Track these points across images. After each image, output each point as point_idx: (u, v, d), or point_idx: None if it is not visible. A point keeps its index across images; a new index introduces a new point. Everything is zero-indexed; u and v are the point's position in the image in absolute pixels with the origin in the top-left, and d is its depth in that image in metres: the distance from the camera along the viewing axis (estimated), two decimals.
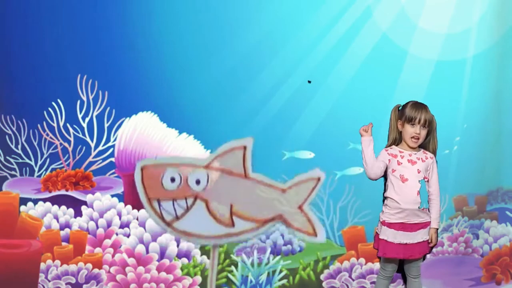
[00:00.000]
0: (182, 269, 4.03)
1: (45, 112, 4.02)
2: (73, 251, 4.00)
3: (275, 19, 4.06)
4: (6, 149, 4.03)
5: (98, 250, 4.02)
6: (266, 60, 4.06)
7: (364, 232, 4.13)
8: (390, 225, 3.21)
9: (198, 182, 3.69)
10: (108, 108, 4.04)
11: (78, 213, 4.05)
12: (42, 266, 3.98)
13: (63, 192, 4.06)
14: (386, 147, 3.31)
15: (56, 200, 4.04)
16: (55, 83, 4.01)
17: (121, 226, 4.04)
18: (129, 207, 4.05)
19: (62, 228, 4.03)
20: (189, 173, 3.68)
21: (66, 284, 3.99)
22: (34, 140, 4.03)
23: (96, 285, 4.00)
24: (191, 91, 4.04)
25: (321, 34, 4.08)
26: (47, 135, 4.03)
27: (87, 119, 4.05)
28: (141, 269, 4.00)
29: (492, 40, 4.17)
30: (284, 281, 4.12)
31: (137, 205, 4.04)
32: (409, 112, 3.21)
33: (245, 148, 3.67)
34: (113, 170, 4.07)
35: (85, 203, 4.06)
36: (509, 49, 4.20)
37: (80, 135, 4.05)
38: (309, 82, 4.06)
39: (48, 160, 4.05)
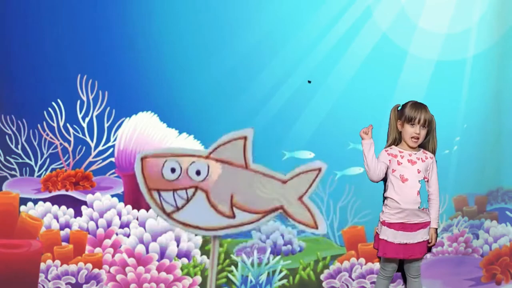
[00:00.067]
0: (182, 269, 4.03)
1: (45, 112, 4.02)
2: (73, 251, 4.00)
3: (275, 19, 4.06)
4: (6, 149, 4.03)
5: (98, 250, 4.02)
6: (266, 60, 4.06)
7: (364, 232, 4.13)
8: (390, 225, 3.22)
9: (198, 173, 3.67)
10: (108, 108, 4.04)
11: (78, 213, 4.05)
12: (42, 266, 3.98)
13: (63, 192, 4.06)
14: (385, 147, 3.31)
15: (56, 200, 4.04)
16: (55, 83, 4.01)
17: (121, 226, 4.04)
18: (129, 207, 4.05)
19: (62, 228, 4.03)
20: (190, 164, 3.67)
21: (66, 284, 3.99)
22: (34, 140, 4.03)
23: (96, 285, 4.00)
24: (191, 91, 4.04)
25: (321, 34, 4.08)
26: (47, 135, 4.03)
27: (87, 119, 4.05)
28: (141, 269, 4.00)
29: (492, 40, 4.17)
30: (284, 281, 4.12)
31: (137, 205, 4.04)
32: (408, 112, 3.21)
33: (245, 138, 3.65)
34: (113, 170, 4.07)
35: (85, 203, 4.06)
36: (509, 49, 4.20)
37: (80, 135, 4.05)
38: (309, 82, 4.06)
39: (48, 160, 4.05)
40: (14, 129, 4.02)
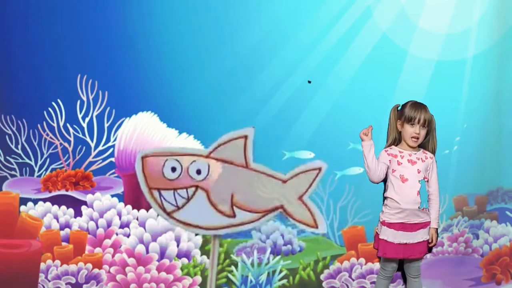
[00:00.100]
0: (182, 269, 4.03)
1: (45, 112, 4.02)
2: (73, 251, 4.00)
3: (275, 19, 4.06)
4: (6, 149, 4.03)
5: (98, 250, 4.02)
6: (266, 60, 4.06)
7: (364, 232, 4.13)
8: (390, 225, 3.22)
9: (199, 172, 3.67)
10: (108, 108, 4.04)
11: (78, 213, 4.05)
12: (42, 266, 3.98)
13: (63, 192, 4.06)
14: (385, 147, 3.31)
15: (56, 200, 4.04)
16: (55, 83, 4.01)
17: (121, 226, 4.04)
18: (129, 207, 4.05)
19: (62, 228, 4.03)
20: (190, 163, 3.67)
21: (66, 284, 3.99)
22: (34, 140, 4.03)
23: (96, 285, 4.00)
24: (191, 91, 4.04)
25: (321, 34, 4.08)
26: (47, 135, 4.03)
27: (87, 119, 4.05)
28: (141, 269, 4.00)
29: (492, 40, 4.17)
30: (284, 281, 4.12)
31: (137, 205, 4.04)
32: (408, 112, 3.21)
33: (246, 137, 3.65)
34: (113, 170, 4.07)
35: (85, 203, 4.06)
36: (509, 49, 4.20)
37: (80, 135, 4.05)
38: (309, 82, 4.06)
39: (48, 160, 4.05)
40: (14, 129, 4.02)
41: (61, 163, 4.06)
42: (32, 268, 3.98)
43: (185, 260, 4.05)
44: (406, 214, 3.20)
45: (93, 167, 4.07)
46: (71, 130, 4.05)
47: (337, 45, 4.08)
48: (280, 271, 4.11)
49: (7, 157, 4.03)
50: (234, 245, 4.12)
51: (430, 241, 3.26)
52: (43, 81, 4.00)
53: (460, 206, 4.26)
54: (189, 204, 3.66)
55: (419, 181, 3.23)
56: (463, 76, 4.16)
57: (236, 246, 4.12)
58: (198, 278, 4.04)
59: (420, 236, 3.23)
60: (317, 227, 3.72)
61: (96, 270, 4.00)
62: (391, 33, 4.11)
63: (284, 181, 3.72)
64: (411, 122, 3.20)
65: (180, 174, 3.63)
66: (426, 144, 3.30)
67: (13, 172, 4.04)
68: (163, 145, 4.02)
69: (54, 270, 3.98)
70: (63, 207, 4.04)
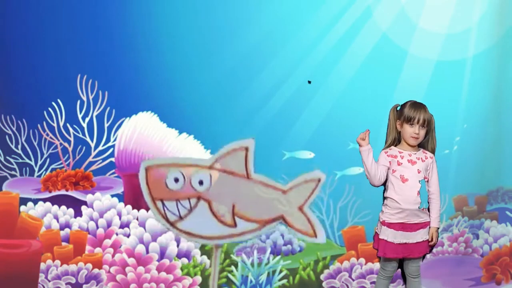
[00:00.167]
0: (182, 269, 4.03)
1: (45, 112, 4.02)
2: (73, 251, 4.01)
3: (275, 19, 4.06)
4: (6, 149, 4.03)
5: (98, 250, 4.02)
6: (266, 60, 4.06)
7: (364, 232, 4.13)
8: (390, 225, 3.22)
9: (201, 182, 3.73)
10: (108, 108, 4.04)
11: (78, 213, 4.05)
12: (42, 266, 3.98)
13: (63, 192, 4.06)
14: (384, 148, 3.31)
15: (56, 200, 4.05)
16: (55, 83, 4.01)
17: (121, 226, 4.04)
18: (129, 207, 4.05)
19: (62, 228, 4.03)
20: (193, 174, 3.72)
21: (66, 284, 3.99)
22: (34, 140, 4.03)
23: (96, 285, 4.01)
24: (191, 91, 4.04)
25: (321, 34, 4.08)
26: (47, 135, 4.03)
27: (87, 119, 4.05)
28: (141, 269, 4.00)
29: (492, 40, 4.17)
30: (284, 281, 4.12)
31: (137, 205, 4.04)
32: (407, 112, 3.21)
33: (247, 149, 3.71)
34: (113, 170, 4.07)
35: (85, 203, 4.06)
36: (509, 49, 4.20)
37: (80, 135, 4.05)
38: (309, 82, 4.06)
39: (48, 160, 4.05)
40: (14, 129, 4.03)
41: (61, 163, 4.06)
42: (32, 268, 3.98)
43: (185, 260, 4.05)
44: (406, 214, 3.20)
45: (93, 167, 4.07)
46: (71, 130, 4.05)
47: (337, 45, 4.08)
48: (280, 271, 4.12)
49: (7, 157, 4.03)
50: (234, 245, 4.12)
51: (430, 240, 3.26)
52: (43, 81, 4.00)
53: (460, 206, 4.26)
54: (191, 214, 3.71)
55: (419, 181, 3.23)
56: (463, 76, 4.16)
57: (236, 246, 4.12)
58: (198, 278, 4.04)
59: (420, 236, 3.24)
60: (316, 237, 3.79)
61: (96, 270, 4.00)
62: (391, 33, 4.10)
63: (284, 191, 3.79)
64: (411, 122, 3.20)
65: (183, 185, 3.68)
66: (426, 144, 3.30)
67: (13, 172, 4.04)
68: (163, 145, 4.02)
69: (54, 270, 3.98)
70: (63, 207, 4.05)
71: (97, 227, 4.03)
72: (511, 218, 4.33)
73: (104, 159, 4.07)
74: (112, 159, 4.07)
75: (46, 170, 4.05)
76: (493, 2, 4.14)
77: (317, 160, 4.05)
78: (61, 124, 4.04)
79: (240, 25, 4.04)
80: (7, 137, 4.02)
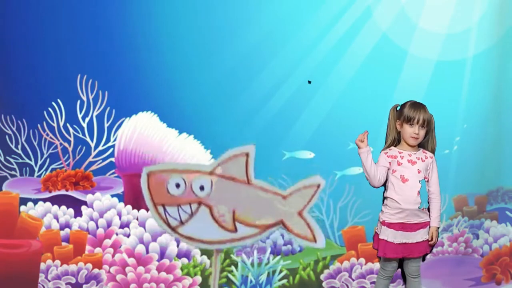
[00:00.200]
0: (182, 269, 4.03)
1: (45, 112, 4.02)
2: (73, 251, 4.01)
3: (275, 19, 4.06)
4: (6, 149, 4.03)
5: (98, 250, 4.02)
6: (266, 60, 4.06)
7: (364, 232, 4.13)
8: (390, 225, 3.22)
9: (202, 188, 3.77)
10: (108, 108, 4.04)
11: (78, 213, 4.05)
12: (42, 266, 3.98)
13: (63, 192, 4.06)
14: (384, 148, 3.31)
15: (56, 200, 4.05)
16: (55, 83, 4.01)
17: (121, 226, 4.04)
18: (129, 207, 4.05)
19: (62, 228, 4.03)
20: (194, 179, 3.75)
21: (66, 284, 3.99)
22: (34, 140, 4.03)
23: (96, 285, 4.01)
24: (191, 91, 4.04)
25: (321, 34, 4.08)
26: (47, 135, 4.03)
27: (87, 119, 4.05)
28: (141, 269, 4.00)
29: (492, 40, 4.17)
30: (284, 281, 4.12)
31: (137, 205, 4.04)
32: (407, 112, 3.21)
33: (247, 155, 3.74)
34: (113, 170, 4.07)
35: (85, 203, 4.06)
36: (509, 49, 4.20)
37: (80, 135, 4.05)
38: (309, 82, 4.06)
39: (48, 160, 4.05)
40: (14, 129, 4.03)
41: (61, 163, 4.06)
42: (32, 268, 3.98)
43: (185, 260, 4.04)
44: (406, 214, 3.20)
45: (93, 167, 4.07)
46: (71, 130, 4.05)
47: (337, 45, 4.08)
48: (280, 271, 4.12)
49: (7, 157, 4.03)
50: None
51: (430, 239, 3.26)
52: (43, 81, 4.00)
53: (460, 206, 4.26)
54: (192, 219, 3.74)
55: (419, 181, 3.23)
56: (463, 76, 4.16)
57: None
58: (198, 278, 4.04)
59: (420, 236, 3.24)
60: (315, 242, 3.83)
61: (96, 270, 4.00)
62: (391, 33, 4.10)
63: (284, 197, 3.82)
64: (410, 122, 3.20)
65: (184, 190, 3.71)
66: (426, 143, 3.30)
67: (13, 172, 4.04)
68: (163, 145, 4.02)
69: (54, 270, 3.98)
70: (63, 207, 4.05)
71: (97, 227, 4.03)
72: (511, 218, 4.33)
73: (104, 159, 4.07)
74: (112, 159, 4.07)
75: (46, 170, 4.05)
76: (493, 2, 4.14)
77: (317, 160, 4.05)
78: (61, 124, 4.04)
79: (240, 25, 4.04)
80: (7, 137, 4.02)
